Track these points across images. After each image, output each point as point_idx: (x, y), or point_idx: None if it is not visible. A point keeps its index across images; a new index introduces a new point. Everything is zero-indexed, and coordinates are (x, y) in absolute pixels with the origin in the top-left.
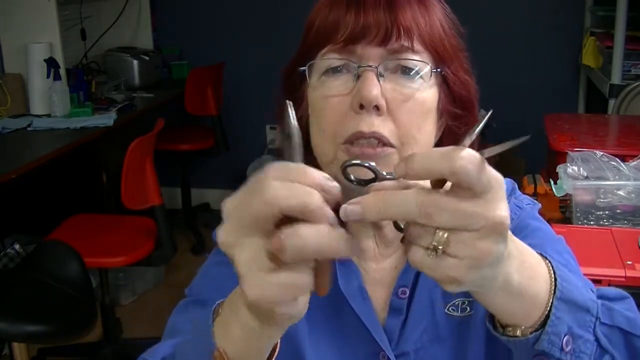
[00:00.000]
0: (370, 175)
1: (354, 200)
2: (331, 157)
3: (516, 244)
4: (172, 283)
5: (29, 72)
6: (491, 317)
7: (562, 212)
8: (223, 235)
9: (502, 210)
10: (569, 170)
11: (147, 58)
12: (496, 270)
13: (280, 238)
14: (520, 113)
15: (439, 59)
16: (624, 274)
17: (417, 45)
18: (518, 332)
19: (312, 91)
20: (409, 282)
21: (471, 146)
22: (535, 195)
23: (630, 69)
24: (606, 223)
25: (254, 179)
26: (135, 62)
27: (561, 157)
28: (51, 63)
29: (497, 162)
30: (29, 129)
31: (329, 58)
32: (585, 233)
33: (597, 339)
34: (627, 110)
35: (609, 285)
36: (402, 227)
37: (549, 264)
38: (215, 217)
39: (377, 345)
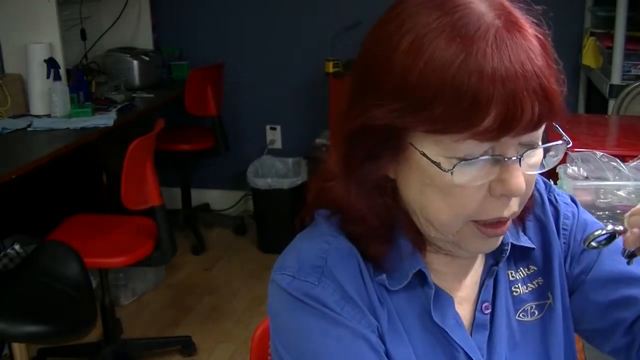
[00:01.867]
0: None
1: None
2: (455, 230)
3: None
4: (172, 283)
5: (29, 72)
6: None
7: None
8: None
9: None
10: (569, 170)
11: (147, 58)
12: None
13: None
14: None
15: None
16: None
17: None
18: None
19: (437, 173)
20: (489, 297)
21: None
22: None
23: (630, 69)
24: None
25: None
26: (135, 62)
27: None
28: (51, 63)
29: None
30: (29, 129)
31: (472, 155)
32: None
33: None
34: (627, 111)
35: None
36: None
37: None
38: (215, 217)
39: None
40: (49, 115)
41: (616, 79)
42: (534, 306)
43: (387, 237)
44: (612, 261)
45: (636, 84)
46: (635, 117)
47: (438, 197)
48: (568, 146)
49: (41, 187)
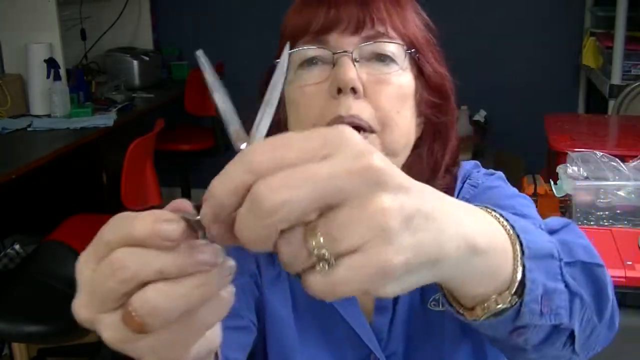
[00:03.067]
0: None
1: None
2: None
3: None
4: None
5: (29, 72)
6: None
7: (562, 212)
8: (80, 311)
9: (361, 155)
10: (569, 170)
11: (147, 58)
12: (432, 226)
13: (132, 314)
14: (520, 113)
15: (413, 47)
16: (624, 274)
17: (392, 32)
18: (492, 310)
19: (288, 85)
20: None
21: None
22: (535, 195)
23: (630, 69)
24: (606, 223)
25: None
26: (135, 62)
27: (561, 158)
28: (51, 63)
29: (497, 163)
30: (29, 129)
31: (302, 49)
32: (585, 233)
33: (566, 285)
34: (627, 111)
35: None
36: None
37: (500, 217)
38: None
39: (367, 347)
40: (49, 115)
41: (616, 79)
42: None
43: None
44: None
45: (636, 84)
46: (635, 117)
47: (292, 110)
48: (409, 51)
49: (41, 187)
